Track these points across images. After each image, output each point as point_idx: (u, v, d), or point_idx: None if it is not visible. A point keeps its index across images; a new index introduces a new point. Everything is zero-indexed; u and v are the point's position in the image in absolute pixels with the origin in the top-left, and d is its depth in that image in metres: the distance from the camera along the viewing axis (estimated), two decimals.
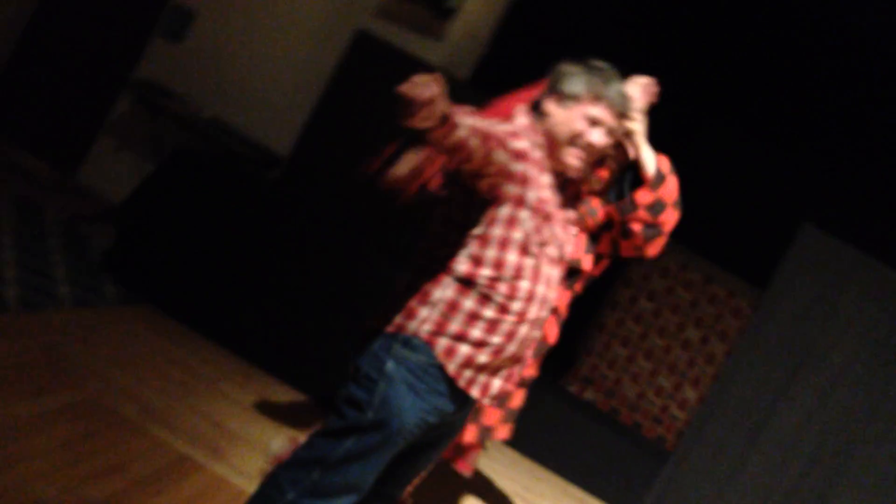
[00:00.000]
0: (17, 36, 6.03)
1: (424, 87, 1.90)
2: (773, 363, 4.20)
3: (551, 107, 2.39)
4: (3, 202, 4.87)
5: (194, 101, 5.73)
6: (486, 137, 2.15)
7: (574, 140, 2.39)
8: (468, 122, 2.07)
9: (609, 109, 2.39)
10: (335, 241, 4.50)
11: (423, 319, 2.31)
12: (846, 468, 4.12)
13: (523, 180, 2.29)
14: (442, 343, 2.30)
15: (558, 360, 7.02)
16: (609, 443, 5.75)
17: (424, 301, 2.33)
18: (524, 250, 2.31)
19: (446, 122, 1.98)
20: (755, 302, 4.48)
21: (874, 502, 4.10)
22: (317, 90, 5.67)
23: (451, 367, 2.31)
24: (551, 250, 2.38)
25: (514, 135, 2.32)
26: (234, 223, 4.51)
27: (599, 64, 2.43)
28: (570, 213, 2.50)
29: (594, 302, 7.30)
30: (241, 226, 4.51)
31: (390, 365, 2.30)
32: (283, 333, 4.41)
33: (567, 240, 2.46)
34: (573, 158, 2.41)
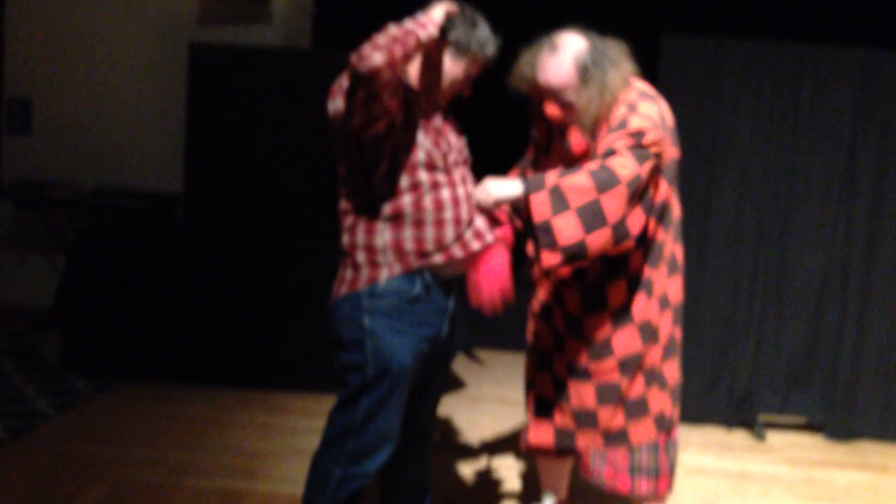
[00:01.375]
0: None
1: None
2: (691, 165, 4.42)
3: (441, 54, 2.49)
4: None
5: (71, 180, 5.69)
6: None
7: (453, 90, 2.56)
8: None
9: (478, 62, 2.54)
10: (255, 250, 4.61)
11: (378, 265, 2.46)
12: (789, 229, 4.42)
13: (411, 124, 2.43)
14: (411, 262, 2.46)
15: (513, 256, 7.21)
16: None
17: (372, 253, 2.46)
18: (431, 166, 2.45)
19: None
20: None
21: (823, 238, 4.41)
22: (178, 117, 5.67)
23: (413, 263, 2.46)
24: (453, 156, 2.54)
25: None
26: (160, 272, 4.60)
27: (477, 16, 2.52)
28: (453, 122, 2.65)
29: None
30: (167, 271, 4.60)
31: (367, 320, 2.45)
32: (248, 348, 4.59)
33: (461, 144, 2.62)
34: (443, 99, 2.58)
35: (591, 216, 2.51)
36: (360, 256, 2.47)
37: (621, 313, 2.78)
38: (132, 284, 4.59)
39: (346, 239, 2.52)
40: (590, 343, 2.81)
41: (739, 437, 4.42)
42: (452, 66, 2.51)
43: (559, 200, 2.51)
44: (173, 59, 5.71)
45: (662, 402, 2.82)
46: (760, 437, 4.40)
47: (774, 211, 4.43)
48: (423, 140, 2.45)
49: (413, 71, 2.51)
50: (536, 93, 2.73)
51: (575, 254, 2.53)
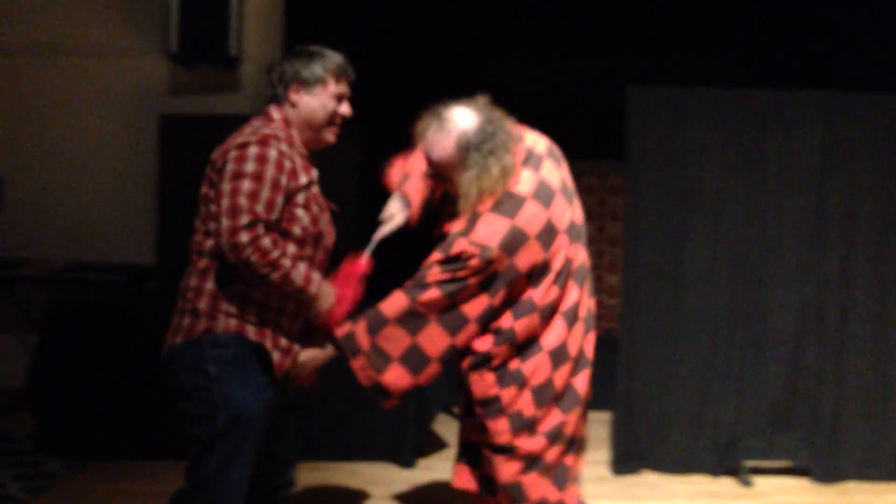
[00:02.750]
0: None
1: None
2: (660, 215, 4.46)
3: (297, 97, 2.56)
4: None
5: (43, 256, 5.65)
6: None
7: (332, 119, 2.60)
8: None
9: (344, 80, 2.62)
10: None
11: (218, 316, 2.46)
12: (767, 266, 4.44)
13: (292, 175, 2.48)
14: (250, 330, 2.47)
15: None
16: None
17: (217, 301, 2.47)
18: (303, 244, 2.52)
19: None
20: (623, 172, 4.74)
21: (797, 281, 4.42)
22: (151, 189, 5.67)
23: (268, 344, 2.51)
24: (328, 239, 2.63)
25: (285, 156, 2.48)
26: (135, 346, 4.51)
27: (313, 48, 2.63)
28: (331, 204, 2.69)
29: None
30: (142, 345, 4.50)
31: (212, 368, 2.45)
32: None
33: (329, 228, 2.67)
34: (331, 135, 2.63)
35: (416, 359, 2.64)
36: (203, 303, 2.47)
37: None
38: (106, 360, 4.51)
39: (193, 282, 2.51)
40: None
41: (726, 484, 4.37)
42: (315, 100, 2.55)
43: (380, 357, 2.63)
44: (144, 131, 5.72)
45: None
46: (747, 483, 4.36)
47: (748, 255, 4.45)
48: (302, 216, 2.51)
49: (293, 127, 2.57)
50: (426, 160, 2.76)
51: (410, 392, 2.74)
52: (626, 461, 4.47)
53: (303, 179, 2.52)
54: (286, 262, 2.39)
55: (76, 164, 5.82)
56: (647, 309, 4.47)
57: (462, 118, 2.68)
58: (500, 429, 2.78)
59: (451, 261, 2.63)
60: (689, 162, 4.47)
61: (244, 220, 2.33)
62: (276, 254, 2.36)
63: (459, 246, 2.64)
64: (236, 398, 2.43)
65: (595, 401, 5.50)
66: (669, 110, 4.48)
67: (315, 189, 2.59)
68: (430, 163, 2.73)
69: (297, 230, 2.48)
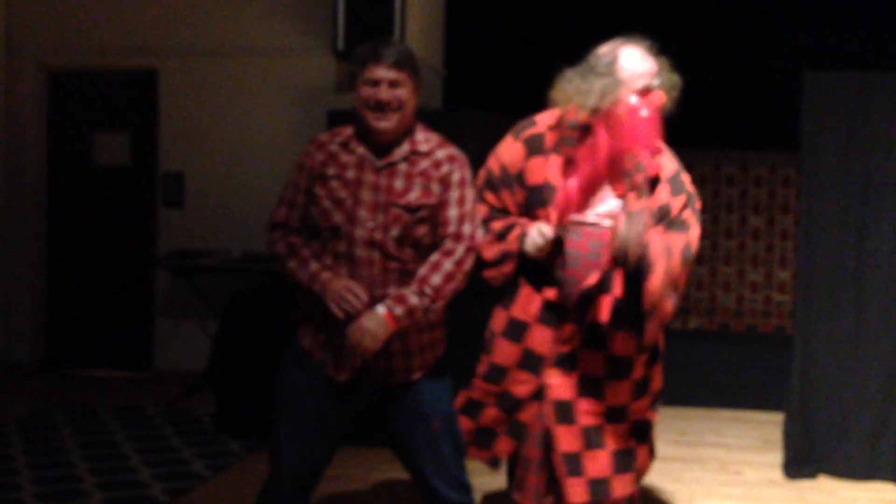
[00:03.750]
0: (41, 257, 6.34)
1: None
2: (839, 208, 4.24)
3: (355, 93, 2.62)
4: (105, 415, 5.10)
5: (221, 247, 5.96)
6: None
7: (367, 104, 2.57)
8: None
9: (379, 65, 2.56)
10: None
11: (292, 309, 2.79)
12: None
13: (316, 179, 2.64)
14: (300, 330, 2.74)
15: None
16: (735, 355, 5.80)
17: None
18: (321, 236, 2.63)
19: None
20: (797, 162, 4.54)
21: None
22: None
23: (305, 343, 2.69)
24: (356, 233, 2.55)
25: (306, 154, 2.71)
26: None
27: (365, 44, 2.65)
28: (413, 195, 2.57)
29: None
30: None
31: (288, 359, 2.77)
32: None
33: (386, 223, 2.56)
34: (375, 121, 2.58)
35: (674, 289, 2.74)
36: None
37: (655, 351, 2.92)
38: (280, 345, 4.70)
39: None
40: (633, 382, 2.82)
41: None
42: (359, 91, 2.58)
43: (668, 285, 2.67)
44: (313, 127, 5.91)
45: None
46: None
47: None
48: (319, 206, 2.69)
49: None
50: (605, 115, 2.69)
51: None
52: (800, 464, 4.29)
53: (329, 171, 2.60)
54: (291, 264, 2.60)
55: (250, 159, 6.10)
56: (822, 307, 4.27)
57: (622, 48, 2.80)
58: (659, 375, 2.95)
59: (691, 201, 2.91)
60: (871, 151, 4.23)
61: (270, 224, 2.73)
62: (283, 254, 2.64)
63: (695, 200, 2.98)
64: (283, 385, 2.70)
65: (764, 400, 5.36)
66: (849, 96, 4.26)
67: (339, 181, 2.60)
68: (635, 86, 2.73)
69: (317, 221, 2.62)
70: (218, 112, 6.15)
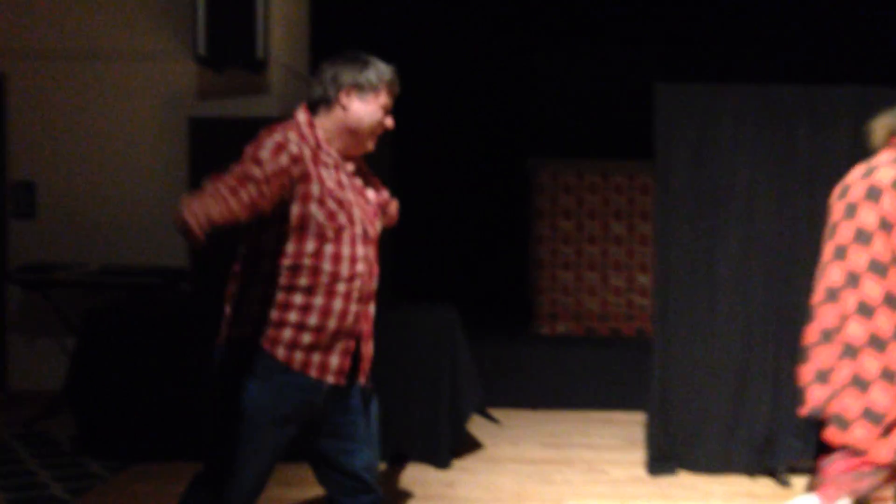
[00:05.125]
0: None
1: (196, 224, 2.16)
2: (692, 214, 4.44)
3: (348, 101, 2.57)
4: None
5: (77, 260, 5.71)
6: (265, 184, 2.36)
7: (377, 130, 2.62)
8: (246, 193, 2.30)
9: (392, 93, 2.64)
10: None
11: (242, 322, 2.54)
12: (797, 264, 4.41)
13: (304, 179, 2.47)
14: (266, 335, 2.50)
15: (519, 314, 7.21)
16: (601, 358, 5.98)
17: (241, 305, 2.55)
18: (321, 238, 2.49)
19: (230, 215, 2.24)
20: (654, 171, 4.73)
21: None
22: (181, 191, 5.70)
23: (280, 353, 2.50)
24: (356, 231, 2.56)
25: (282, 146, 2.46)
26: (171, 348, 4.56)
27: (366, 55, 2.63)
28: (371, 193, 2.70)
29: (521, 246, 7.52)
30: (178, 346, 4.57)
31: (230, 368, 2.54)
32: None
33: (372, 220, 2.66)
34: (372, 144, 2.65)
35: None
36: (231, 310, 2.60)
37: None
38: (143, 362, 4.56)
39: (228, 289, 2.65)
40: None
41: (763, 484, 4.35)
42: (366, 107, 2.57)
43: None
44: (175, 134, 5.77)
45: None
46: (785, 483, 4.33)
47: (780, 253, 4.43)
48: (317, 212, 2.52)
49: (330, 130, 2.58)
50: None
51: None
52: (661, 462, 4.46)
53: (318, 173, 2.54)
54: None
55: (108, 167, 5.88)
56: (679, 309, 4.46)
57: None
58: None
59: None
60: (720, 159, 4.45)
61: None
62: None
63: None
64: (244, 398, 2.49)
65: (629, 401, 5.55)
66: (698, 107, 4.47)
67: (331, 184, 2.56)
68: None
69: (319, 222, 2.51)
70: (73, 119, 5.90)
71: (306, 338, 2.50)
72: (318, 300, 2.50)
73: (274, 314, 2.49)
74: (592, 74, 7.65)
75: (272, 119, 5.50)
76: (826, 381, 3.12)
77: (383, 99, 2.60)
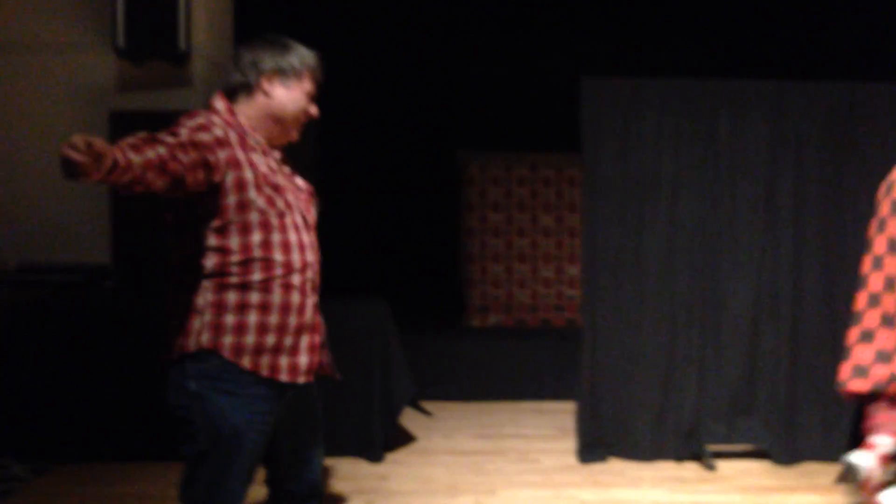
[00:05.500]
0: None
1: (75, 150, 1.96)
2: (618, 205, 4.51)
3: (271, 87, 2.46)
4: None
5: None
6: (179, 148, 2.21)
7: (301, 117, 2.52)
8: (153, 151, 2.14)
9: (315, 79, 2.55)
10: None
11: (198, 331, 2.34)
12: (717, 253, 4.52)
13: (234, 164, 2.34)
14: (226, 343, 2.33)
15: (450, 307, 7.23)
16: (532, 349, 6.04)
17: (192, 314, 2.35)
18: (265, 227, 2.36)
19: (115, 168, 2.03)
20: (581, 164, 4.79)
21: (752, 266, 4.52)
22: (104, 187, 5.56)
23: (246, 362, 2.34)
24: (296, 218, 2.45)
25: (205, 127, 2.34)
26: (93, 346, 4.46)
27: (288, 40, 2.52)
28: (301, 181, 2.61)
29: (451, 239, 7.54)
30: (100, 345, 4.47)
31: (192, 384, 2.34)
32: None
33: (307, 207, 2.55)
34: (296, 133, 2.55)
35: None
36: (185, 317, 2.38)
37: None
38: (65, 361, 4.44)
39: (170, 298, 2.45)
40: None
41: (690, 468, 4.45)
42: (289, 93, 2.48)
43: None
44: (94, 128, 5.61)
45: None
46: (710, 467, 4.44)
47: (704, 242, 4.53)
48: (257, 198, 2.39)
49: (253, 118, 2.47)
50: None
51: None
52: (591, 449, 4.53)
53: (249, 160, 2.42)
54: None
55: (25, 163, 5.68)
56: (607, 298, 4.53)
57: None
58: None
59: None
60: (644, 152, 4.53)
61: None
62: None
63: None
64: (216, 414, 2.32)
65: (559, 391, 5.62)
66: (623, 101, 4.53)
67: (265, 171, 2.46)
68: None
69: (261, 210, 2.38)
70: None
71: (270, 339, 2.36)
72: (276, 297, 2.36)
73: (231, 319, 2.33)
74: (521, 67, 7.70)
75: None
76: (889, 360, 3.14)
77: (307, 85, 2.50)
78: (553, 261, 6.85)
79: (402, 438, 4.86)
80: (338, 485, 4.15)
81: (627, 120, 4.52)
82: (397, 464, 4.48)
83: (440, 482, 4.21)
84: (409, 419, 5.12)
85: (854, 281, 4.56)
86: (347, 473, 4.30)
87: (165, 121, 4.94)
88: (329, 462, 4.41)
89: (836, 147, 4.52)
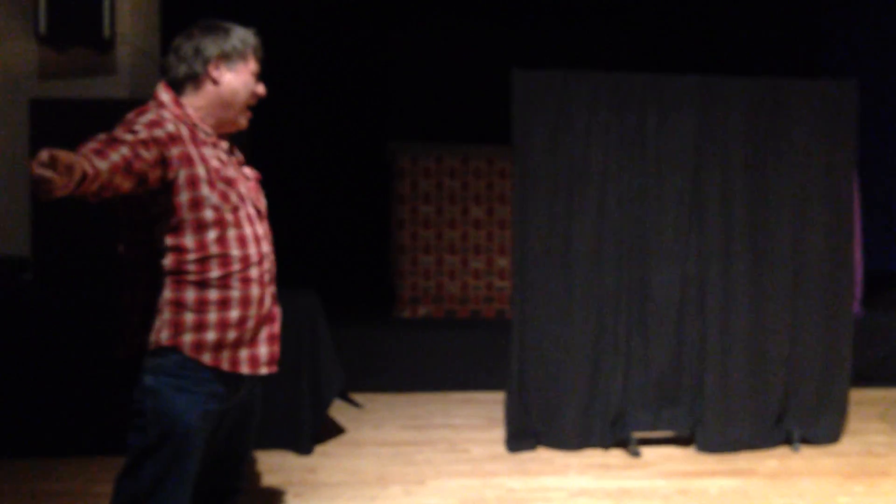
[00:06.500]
0: None
1: (45, 167, 1.85)
2: (548, 197, 4.56)
3: (218, 73, 2.41)
4: None
5: None
6: (141, 146, 2.17)
7: (251, 100, 2.48)
8: (116, 154, 2.09)
9: (256, 58, 2.50)
10: (109, 312, 4.40)
11: (158, 329, 2.32)
12: (644, 240, 4.60)
13: (186, 161, 2.31)
14: (187, 341, 2.31)
15: (381, 298, 7.21)
16: (461, 340, 6.06)
17: (150, 312, 2.33)
18: (220, 223, 2.33)
19: (84, 178, 1.97)
20: (512, 156, 4.81)
21: (679, 257, 4.61)
22: (23, 177, 5.40)
23: (207, 358, 2.32)
24: (249, 210, 2.43)
25: (158, 123, 2.31)
26: (10, 340, 4.32)
27: (223, 23, 2.48)
28: (248, 170, 2.58)
29: (382, 230, 7.52)
30: (18, 338, 4.34)
31: (149, 379, 2.32)
32: (109, 413, 4.27)
33: (258, 196, 2.53)
34: (245, 119, 2.52)
35: None
36: (145, 315, 2.35)
37: None
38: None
39: (127, 295, 2.41)
40: None
41: (616, 456, 4.53)
42: (238, 77, 2.43)
43: None
44: (15, 117, 5.44)
45: None
46: (636, 454, 4.52)
47: (632, 234, 4.60)
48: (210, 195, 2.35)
49: (202, 109, 2.43)
50: None
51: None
52: (520, 438, 4.57)
53: (200, 154, 2.37)
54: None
55: None
56: (536, 289, 4.57)
57: None
58: None
59: None
60: (574, 144, 4.58)
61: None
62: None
63: None
64: (169, 412, 2.29)
65: (489, 381, 5.65)
66: (554, 93, 4.57)
67: (216, 164, 2.42)
68: None
69: (216, 204, 2.33)
70: None
71: (231, 334, 2.33)
72: (236, 292, 2.33)
73: (191, 317, 2.29)
74: (452, 58, 7.71)
75: (120, 101, 5.30)
76: None
77: (252, 65, 2.46)
78: (483, 252, 6.88)
79: (332, 430, 4.84)
80: (266, 478, 4.11)
81: (558, 112, 4.56)
82: (326, 456, 4.46)
83: (369, 473, 4.20)
84: (339, 411, 5.10)
85: (780, 270, 4.72)
86: (276, 466, 4.27)
87: (88, 109, 4.86)
88: (257, 455, 4.37)
89: (760, 140, 4.64)
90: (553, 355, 4.57)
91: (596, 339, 4.58)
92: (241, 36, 2.45)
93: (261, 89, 2.51)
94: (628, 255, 4.59)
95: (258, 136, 4.96)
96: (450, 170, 6.85)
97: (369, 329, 6.22)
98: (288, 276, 5.69)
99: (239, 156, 2.57)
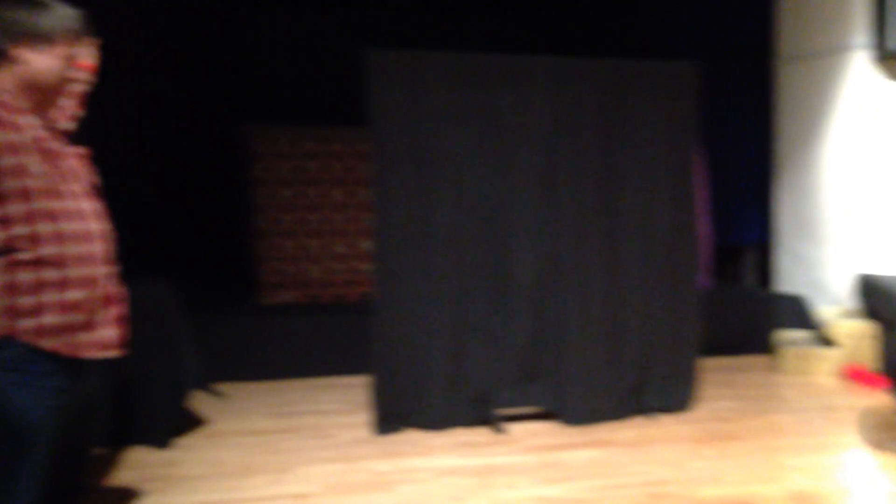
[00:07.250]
0: None
1: None
2: (407, 178, 4.55)
3: (20, 52, 2.25)
4: None
5: None
6: None
7: (64, 85, 2.35)
8: None
9: (81, 40, 2.37)
10: None
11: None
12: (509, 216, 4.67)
13: (4, 125, 2.18)
14: (23, 327, 2.19)
15: (242, 285, 7.05)
16: (326, 325, 5.99)
17: None
18: (48, 194, 2.21)
19: None
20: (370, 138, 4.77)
21: (536, 236, 4.70)
22: None
23: (48, 344, 2.21)
24: (78, 185, 2.32)
25: None
26: None
27: None
28: (76, 147, 2.45)
29: (240, 216, 7.34)
30: None
31: None
32: None
33: (87, 172, 2.41)
34: (75, 105, 2.44)
35: None
36: None
37: None
38: None
39: None
40: None
41: (482, 434, 4.58)
42: (44, 59, 2.26)
43: None
44: None
45: None
46: (501, 430, 4.59)
47: (489, 213, 4.65)
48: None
49: (11, 86, 2.27)
50: None
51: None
52: (386, 421, 4.56)
53: (33, 142, 2.25)
54: None
55: None
56: (398, 272, 4.55)
57: None
58: None
59: None
60: (431, 124, 4.58)
61: None
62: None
63: None
64: (10, 409, 2.16)
65: (354, 365, 5.62)
66: (410, 74, 4.55)
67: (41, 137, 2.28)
68: None
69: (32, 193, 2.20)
70: None
71: (72, 317, 2.20)
72: (72, 271, 2.20)
73: (28, 301, 2.14)
74: (306, 38, 7.58)
75: None
76: None
77: (63, 49, 2.30)
78: (345, 236, 6.83)
79: (192, 422, 4.70)
80: (124, 475, 3.94)
81: (414, 93, 4.55)
82: (187, 448, 4.32)
83: (233, 464, 4.10)
84: (201, 402, 4.95)
85: (630, 245, 4.87)
86: (134, 462, 4.10)
87: None
88: (112, 452, 4.19)
89: (610, 119, 4.77)
90: (416, 337, 4.58)
91: (457, 318, 4.61)
92: (58, 15, 2.28)
93: (79, 75, 2.38)
94: (487, 235, 4.64)
95: (106, 121, 4.73)
96: (308, 152, 6.74)
97: (231, 317, 6.07)
98: (143, 265, 5.49)
99: (65, 128, 2.43)
